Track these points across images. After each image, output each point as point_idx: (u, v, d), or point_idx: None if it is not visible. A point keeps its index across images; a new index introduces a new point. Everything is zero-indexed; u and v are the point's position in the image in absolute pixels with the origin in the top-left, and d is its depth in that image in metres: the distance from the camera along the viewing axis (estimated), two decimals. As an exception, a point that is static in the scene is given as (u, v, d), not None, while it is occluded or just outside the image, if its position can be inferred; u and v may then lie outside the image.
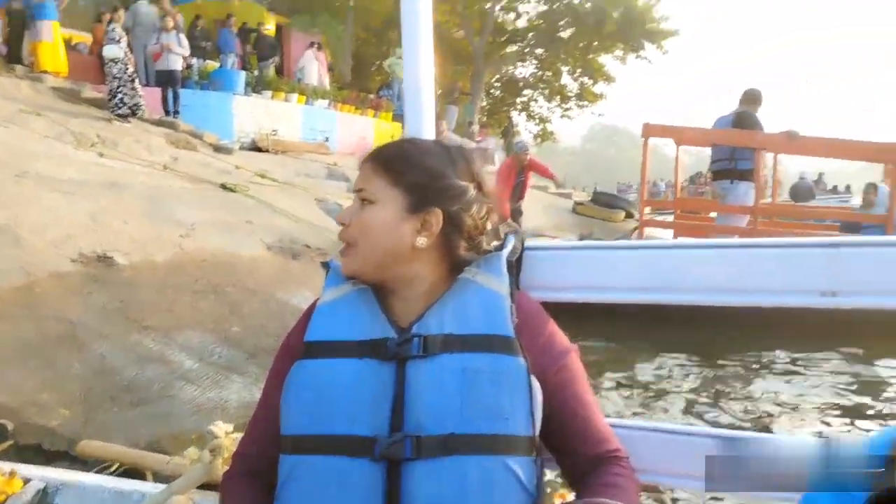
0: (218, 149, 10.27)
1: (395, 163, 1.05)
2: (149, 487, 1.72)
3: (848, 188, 21.82)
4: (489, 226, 1.10)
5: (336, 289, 1.07)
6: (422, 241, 1.03)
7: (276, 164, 10.25)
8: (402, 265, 1.03)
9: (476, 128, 18.80)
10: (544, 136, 27.66)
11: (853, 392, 4.34)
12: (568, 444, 1.03)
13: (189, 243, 5.19)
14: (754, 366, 5.00)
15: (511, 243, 1.12)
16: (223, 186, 7.37)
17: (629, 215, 13.81)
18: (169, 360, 3.48)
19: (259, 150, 11.68)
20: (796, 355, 5.13)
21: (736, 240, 1.15)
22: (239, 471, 1.06)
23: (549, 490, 1.03)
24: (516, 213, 8.29)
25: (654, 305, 1.19)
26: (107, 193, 5.67)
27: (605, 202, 15.07)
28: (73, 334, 3.45)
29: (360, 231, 1.04)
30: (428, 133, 1.35)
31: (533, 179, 10.06)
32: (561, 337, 1.07)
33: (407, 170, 1.04)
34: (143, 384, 3.18)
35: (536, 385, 0.98)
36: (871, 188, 7.04)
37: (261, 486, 1.02)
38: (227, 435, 1.61)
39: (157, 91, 11.12)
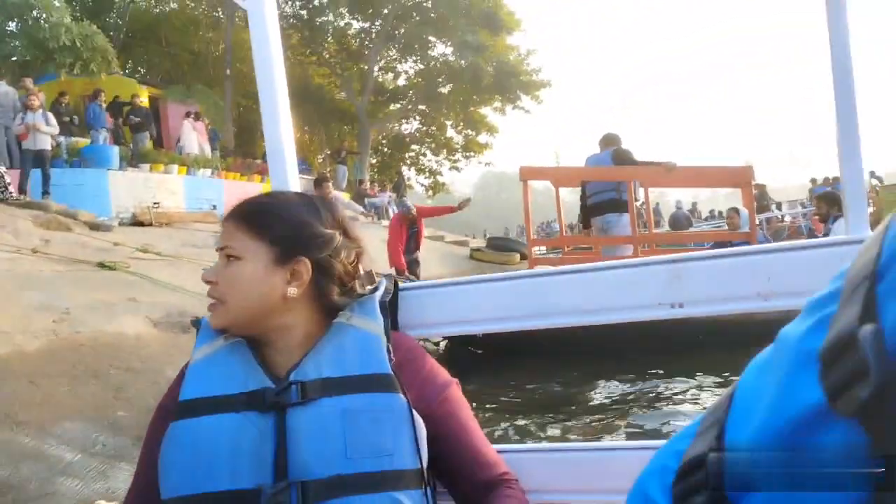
0: (95, 227, 9.77)
1: (257, 217, 1.05)
2: None
3: (720, 213, 23.45)
4: (361, 270, 1.12)
5: (208, 345, 1.05)
6: (293, 290, 1.03)
7: (161, 237, 9.85)
8: (275, 316, 1.03)
9: (367, 185, 18.92)
10: (436, 188, 28.18)
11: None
12: (458, 472, 1.04)
13: (64, 328, 4.86)
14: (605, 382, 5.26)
15: (384, 285, 1.14)
16: (101, 265, 6.99)
17: (524, 256, 14.21)
18: (46, 456, 3.21)
19: (141, 224, 11.23)
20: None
21: (590, 264, 1.26)
22: None
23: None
24: (413, 265, 8.40)
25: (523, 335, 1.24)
26: (-32, 284, 5.25)
27: (499, 246, 15.47)
28: (-68, 440, 3.12)
29: (228, 287, 1.03)
30: (293, 187, 1.36)
31: (431, 230, 10.26)
32: (441, 370, 1.10)
33: (270, 223, 1.04)
34: (19, 483, 2.90)
35: (419, 419, 0.99)
36: (733, 211, 7.62)
37: None
38: None
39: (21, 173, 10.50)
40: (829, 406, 0.39)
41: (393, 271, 8.35)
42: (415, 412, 0.98)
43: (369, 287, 1.13)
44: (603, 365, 5.77)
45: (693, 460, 0.49)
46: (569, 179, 8.01)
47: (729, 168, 7.39)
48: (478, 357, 6.54)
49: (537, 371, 5.86)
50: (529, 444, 1.26)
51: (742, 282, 1.10)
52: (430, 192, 28.48)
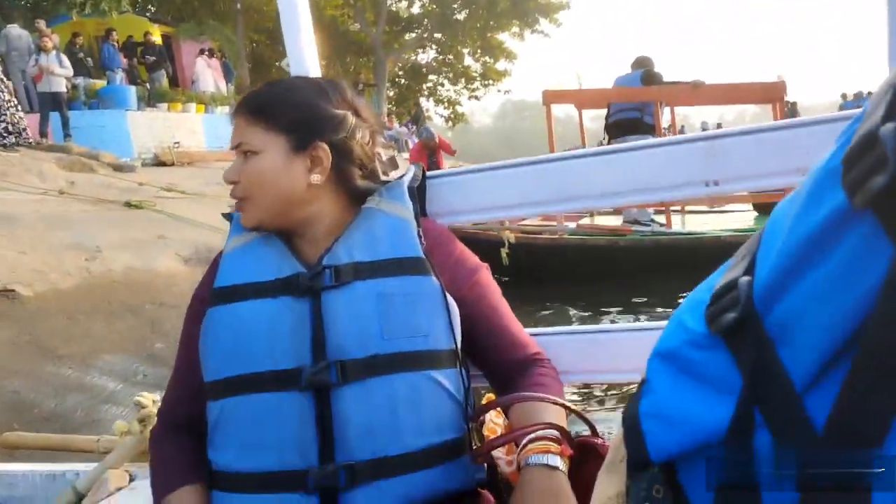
0: (118, 168, 9.81)
1: (265, 108, 1.03)
2: (82, 466, 1.65)
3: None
4: (379, 150, 1.10)
5: (240, 237, 1.06)
6: (316, 177, 1.02)
7: (184, 177, 9.88)
8: (301, 207, 1.03)
9: (385, 117, 18.70)
10: (455, 118, 27.78)
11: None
12: (491, 353, 1.06)
13: (97, 266, 4.94)
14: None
15: (412, 172, 1.13)
16: (128, 204, 7.04)
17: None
18: (90, 386, 3.31)
19: (163, 164, 11.25)
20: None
21: (625, 144, 1.24)
22: (165, 427, 1.05)
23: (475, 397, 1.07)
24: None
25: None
26: (-1, 226, 5.33)
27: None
28: (-20, 375, 3.23)
29: (250, 184, 1.02)
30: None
31: (450, 162, 10.21)
32: (470, 255, 1.10)
33: (280, 111, 1.02)
34: (65, 413, 3.01)
35: (452, 301, 1.00)
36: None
37: (189, 439, 1.02)
38: (155, 403, 1.57)
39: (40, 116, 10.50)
40: (848, 202, 0.39)
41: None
42: (447, 294, 0.99)
43: (394, 173, 1.12)
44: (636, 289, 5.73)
45: (725, 286, 0.50)
46: (593, 101, 7.81)
47: (760, 84, 7.11)
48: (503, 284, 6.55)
49: (567, 297, 5.86)
50: (560, 327, 1.26)
51: (780, 157, 1.07)
52: (450, 124, 28.07)
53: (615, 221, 7.47)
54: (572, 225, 6.91)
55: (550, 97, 7.10)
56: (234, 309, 0.98)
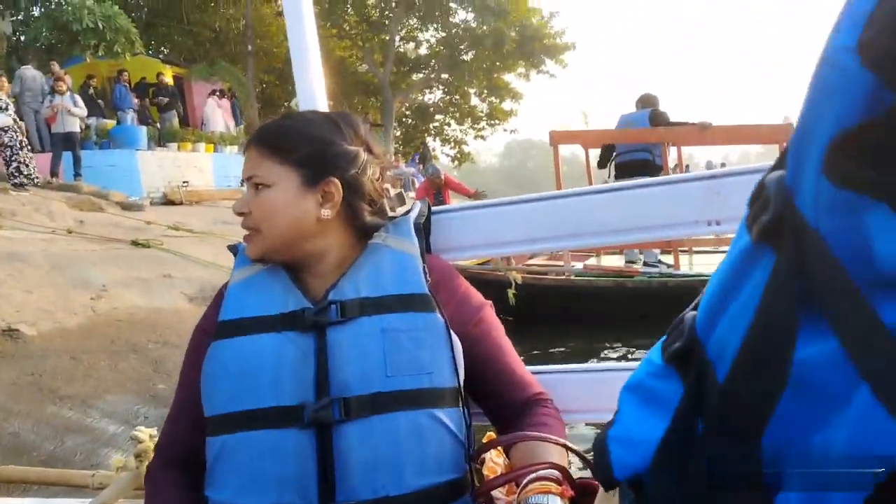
0: (127, 207, 9.89)
1: (280, 141, 1.03)
2: (76, 502, 1.63)
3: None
4: (388, 187, 1.11)
5: (246, 269, 1.06)
6: (326, 212, 1.02)
7: (192, 216, 9.94)
8: (310, 241, 1.02)
9: (392, 157, 18.84)
10: (462, 157, 27.98)
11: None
12: (493, 392, 1.05)
13: (102, 305, 4.93)
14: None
15: (417, 208, 1.13)
16: (135, 243, 7.07)
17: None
18: (90, 429, 3.26)
19: (172, 203, 11.33)
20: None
21: (628, 182, 1.27)
22: (162, 462, 1.03)
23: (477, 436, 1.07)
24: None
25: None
26: (5, 266, 5.33)
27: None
28: (-20, 416, 3.19)
29: (261, 216, 1.01)
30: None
31: (457, 200, 10.26)
32: (475, 292, 1.10)
33: (294, 145, 1.02)
34: (64, 456, 2.96)
35: (456, 339, 0.99)
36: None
37: (186, 475, 1.00)
38: (151, 438, 1.54)
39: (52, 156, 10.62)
40: (749, 239, 0.48)
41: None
42: (451, 332, 0.99)
43: (401, 209, 1.12)
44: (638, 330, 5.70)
45: (676, 321, 0.57)
46: (600, 141, 7.85)
47: (767, 126, 7.14)
48: (509, 324, 6.51)
49: (574, 338, 5.81)
50: (563, 366, 1.26)
51: None
52: (456, 163, 28.29)
53: (622, 262, 7.44)
54: (579, 265, 6.88)
55: (557, 137, 7.14)
56: (238, 343, 0.97)
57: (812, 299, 0.41)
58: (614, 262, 7.41)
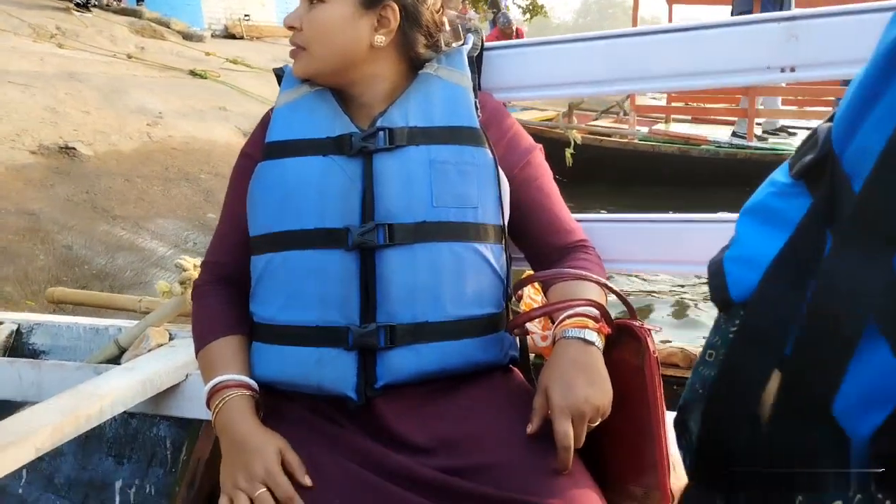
0: (187, 37, 9.74)
1: None
2: (124, 323, 1.69)
3: None
4: (445, 21, 1.05)
5: (292, 91, 1.03)
6: (380, 39, 0.98)
7: (251, 51, 9.76)
8: (360, 67, 0.99)
9: (458, 4, 17.93)
10: (534, 9, 26.41)
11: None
12: (536, 236, 1.04)
13: (158, 132, 4.95)
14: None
15: (471, 40, 1.08)
16: (192, 73, 7.00)
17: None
18: (141, 248, 3.35)
19: (233, 37, 11.13)
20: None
21: (697, 23, 1.13)
22: (209, 278, 1.04)
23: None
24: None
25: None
26: (65, 85, 5.36)
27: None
28: (36, 227, 3.29)
29: (312, 33, 0.97)
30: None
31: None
32: (525, 134, 1.07)
33: None
34: (114, 272, 3.06)
35: (503, 177, 0.98)
36: None
37: (232, 290, 1.02)
38: (196, 268, 1.60)
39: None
40: None
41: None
42: (500, 169, 0.97)
43: (455, 43, 1.06)
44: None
45: (807, 136, 0.54)
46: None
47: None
48: (564, 185, 6.34)
49: (626, 202, 5.62)
50: (608, 215, 1.30)
51: (869, 41, 0.91)
52: (527, 16, 26.76)
53: (688, 130, 7.03)
54: (644, 129, 6.55)
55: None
56: (285, 164, 0.96)
57: None
58: (684, 129, 7.01)
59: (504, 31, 8.40)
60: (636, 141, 6.19)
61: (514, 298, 1.02)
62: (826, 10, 1.00)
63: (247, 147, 1.06)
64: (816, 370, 0.48)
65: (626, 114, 7.18)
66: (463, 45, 1.06)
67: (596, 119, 7.27)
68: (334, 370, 0.91)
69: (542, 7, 26.97)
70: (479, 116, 0.99)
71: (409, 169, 0.93)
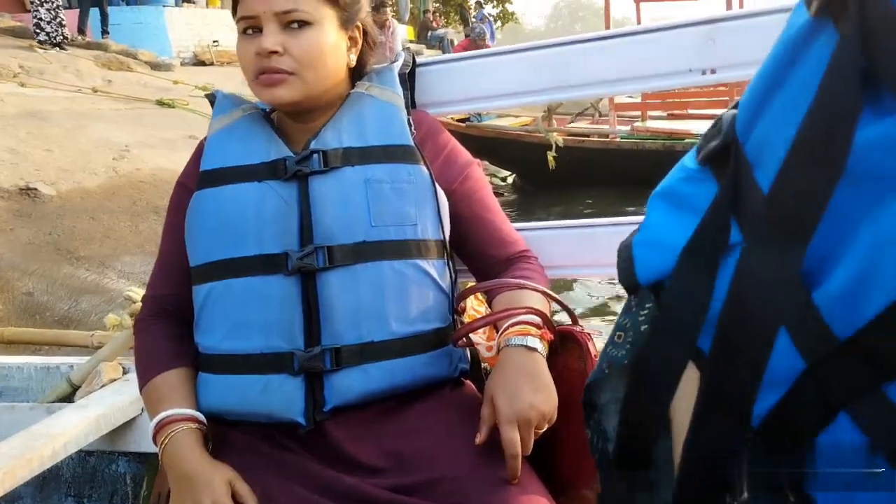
0: (155, 66, 9.58)
1: None
2: (75, 360, 1.68)
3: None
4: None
5: (225, 117, 1.03)
6: (352, 58, 1.01)
7: (222, 77, 9.59)
8: (335, 88, 1.00)
9: (431, 16, 17.90)
10: (505, 17, 26.49)
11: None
12: (478, 248, 1.05)
13: (124, 165, 4.78)
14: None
15: (402, 58, 1.10)
16: (160, 103, 6.84)
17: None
18: (107, 289, 3.18)
19: (202, 63, 10.98)
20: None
21: (617, 30, 1.14)
22: (150, 312, 1.04)
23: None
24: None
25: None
26: (27, 124, 5.18)
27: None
28: (-5, 275, 3.11)
29: (305, 58, 0.94)
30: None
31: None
32: (462, 150, 1.07)
33: None
34: (78, 317, 2.90)
35: (441, 192, 0.99)
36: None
37: (173, 323, 1.01)
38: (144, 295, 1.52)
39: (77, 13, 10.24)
40: (808, 15, 0.46)
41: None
42: (437, 185, 0.98)
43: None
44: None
45: (713, 123, 0.54)
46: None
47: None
48: (547, 190, 6.25)
49: (612, 201, 5.51)
50: (547, 222, 1.26)
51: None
52: (498, 23, 26.82)
53: (669, 125, 6.95)
54: (625, 128, 6.45)
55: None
56: (220, 192, 0.96)
57: (872, 78, 0.40)
58: (664, 125, 6.93)
59: (476, 42, 8.29)
60: (618, 139, 6.09)
61: (458, 312, 1.03)
62: (739, 13, 1.05)
63: (182, 177, 1.05)
64: (737, 372, 0.47)
65: (601, 115, 7.13)
66: (394, 62, 1.07)
67: (572, 122, 7.19)
68: (281, 396, 0.90)
69: (513, 14, 27.09)
70: (413, 134, 0.99)
71: (345, 190, 0.94)
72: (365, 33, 1.02)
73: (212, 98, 1.09)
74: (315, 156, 0.94)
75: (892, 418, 0.43)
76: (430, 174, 0.97)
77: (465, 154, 1.07)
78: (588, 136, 6.12)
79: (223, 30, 12.58)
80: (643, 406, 0.55)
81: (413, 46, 15.45)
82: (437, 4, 23.28)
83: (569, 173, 5.39)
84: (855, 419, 0.43)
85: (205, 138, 1.04)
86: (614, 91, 1.17)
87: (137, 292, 1.64)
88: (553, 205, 5.89)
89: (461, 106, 1.24)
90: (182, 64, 10.63)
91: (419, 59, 1.15)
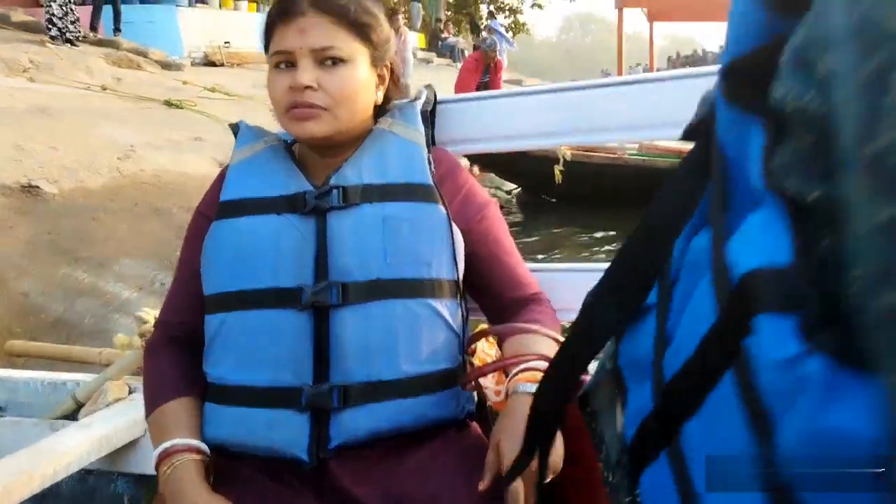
0: (166, 66, 9.59)
1: (358, 14, 0.98)
2: (82, 377, 1.69)
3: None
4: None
5: (247, 148, 1.04)
6: (380, 95, 1.03)
7: (231, 78, 9.60)
8: (364, 124, 1.02)
9: (442, 25, 17.92)
10: (516, 27, 26.51)
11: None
12: (491, 289, 1.05)
13: (128, 166, 4.75)
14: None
15: (424, 95, 1.11)
16: (167, 103, 6.82)
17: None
18: (103, 292, 3.14)
19: (213, 64, 10.99)
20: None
21: (644, 75, 1.20)
22: (161, 338, 1.04)
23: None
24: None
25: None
26: (34, 120, 5.16)
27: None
28: (-9, 274, 3.08)
29: (339, 94, 0.96)
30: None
31: (508, 73, 9.60)
32: (481, 189, 1.08)
33: (367, 20, 0.98)
34: (72, 320, 2.85)
35: (457, 231, 0.99)
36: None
37: (185, 351, 1.01)
38: (156, 319, 1.49)
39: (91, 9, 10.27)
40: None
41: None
42: (453, 224, 0.99)
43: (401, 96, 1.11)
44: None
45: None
46: (668, 11, 7.11)
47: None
48: (552, 205, 6.22)
49: (621, 220, 5.46)
50: (563, 264, 1.30)
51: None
52: (510, 34, 26.84)
53: (678, 144, 6.91)
54: (633, 144, 6.41)
55: (625, 1, 6.49)
56: (239, 223, 0.97)
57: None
58: (671, 144, 6.88)
59: (487, 53, 8.15)
60: (626, 156, 6.05)
61: (468, 353, 1.03)
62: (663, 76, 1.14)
63: (201, 205, 1.06)
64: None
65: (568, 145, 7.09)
66: (416, 100, 1.08)
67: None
68: (286, 432, 0.91)
69: (524, 25, 27.12)
70: (433, 172, 1.00)
71: (362, 226, 0.94)
72: (391, 71, 1.04)
73: (235, 128, 1.09)
74: (335, 191, 0.95)
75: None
76: (448, 213, 0.98)
77: (483, 194, 1.08)
78: (596, 150, 6.09)
79: (235, 31, 12.61)
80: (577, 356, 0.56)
81: (424, 54, 15.46)
82: (449, 13, 23.31)
83: (575, 188, 5.35)
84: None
85: (226, 167, 1.05)
86: (634, 137, 1.19)
87: (149, 313, 1.64)
88: (558, 222, 5.85)
89: (480, 145, 1.24)
90: (193, 64, 10.64)
91: (440, 97, 1.16)
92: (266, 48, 1.00)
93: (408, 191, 0.97)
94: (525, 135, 1.20)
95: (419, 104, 1.08)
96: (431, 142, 1.10)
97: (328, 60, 0.96)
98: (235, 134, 1.08)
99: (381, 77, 1.02)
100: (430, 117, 1.10)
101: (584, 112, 1.15)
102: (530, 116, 1.19)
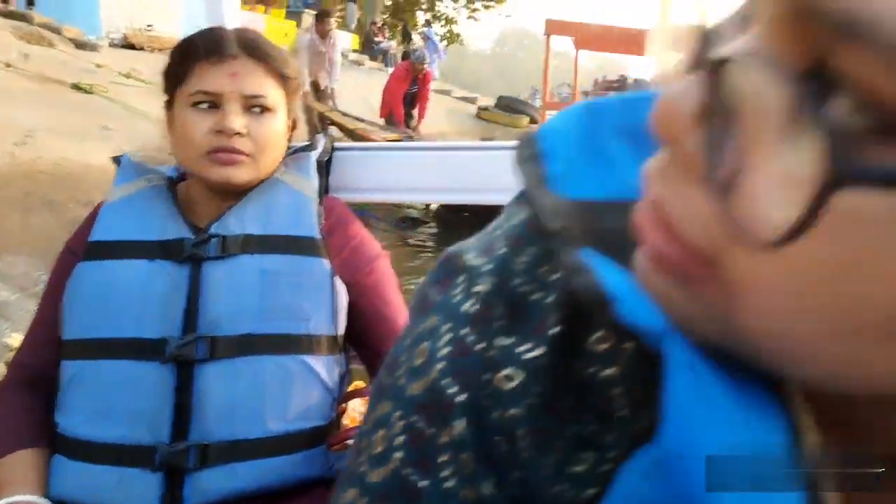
0: (81, 45, 9.14)
1: (281, 63, 0.99)
2: None
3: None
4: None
5: (127, 185, 1.00)
6: (285, 143, 1.04)
7: (151, 63, 9.20)
8: (273, 170, 1.02)
9: (376, 28, 17.85)
10: (451, 38, 26.71)
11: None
12: (373, 346, 1.02)
13: (25, 152, 4.49)
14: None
15: (321, 143, 1.10)
16: (76, 87, 6.50)
17: (533, 121, 13.63)
18: (-21, 291, 2.95)
19: (132, 47, 10.54)
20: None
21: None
22: (14, 380, 1.00)
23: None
24: (408, 118, 7.92)
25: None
26: (-79, 95, 4.81)
27: (508, 107, 14.73)
28: None
29: (263, 142, 0.96)
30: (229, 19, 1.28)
31: (438, 83, 9.63)
32: (372, 241, 1.06)
33: (283, 65, 0.99)
34: (-60, 323, 2.66)
35: (340, 285, 0.97)
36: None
37: (37, 395, 0.97)
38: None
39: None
40: None
41: (382, 122, 7.87)
42: (337, 279, 0.97)
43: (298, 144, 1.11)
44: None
45: None
46: (593, 38, 7.34)
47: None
48: (470, 220, 6.28)
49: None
50: None
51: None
52: (445, 43, 27.00)
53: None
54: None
55: (552, 27, 6.70)
56: (105, 266, 0.93)
57: None
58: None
59: (416, 65, 8.19)
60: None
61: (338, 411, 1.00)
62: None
63: (71, 241, 1.01)
64: None
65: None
66: (313, 149, 1.07)
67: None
68: (136, 492, 0.87)
69: (458, 36, 27.34)
70: (321, 223, 0.98)
71: (238, 278, 0.92)
72: (294, 120, 1.06)
73: (117, 161, 1.05)
74: (214, 240, 0.93)
75: None
76: (331, 268, 0.96)
77: (374, 247, 1.05)
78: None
79: (160, 15, 12.15)
80: None
81: (356, 56, 15.35)
82: (386, 17, 23.25)
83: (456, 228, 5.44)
84: None
85: (101, 203, 1.00)
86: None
87: (17, 338, 1.58)
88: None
89: (375, 194, 1.25)
90: (111, 45, 10.19)
91: (338, 144, 1.18)
92: (173, 83, 0.97)
93: (290, 243, 0.95)
94: (421, 188, 1.24)
95: (314, 154, 1.07)
96: (325, 190, 1.09)
97: (256, 108, 0.96)
98: (117, 166, 1.04)
99: (291, 124, 1.04)
100: (325, 166, 1.09)
101: (487, 172, 1.19)
102: (430, 170, 1.22)
